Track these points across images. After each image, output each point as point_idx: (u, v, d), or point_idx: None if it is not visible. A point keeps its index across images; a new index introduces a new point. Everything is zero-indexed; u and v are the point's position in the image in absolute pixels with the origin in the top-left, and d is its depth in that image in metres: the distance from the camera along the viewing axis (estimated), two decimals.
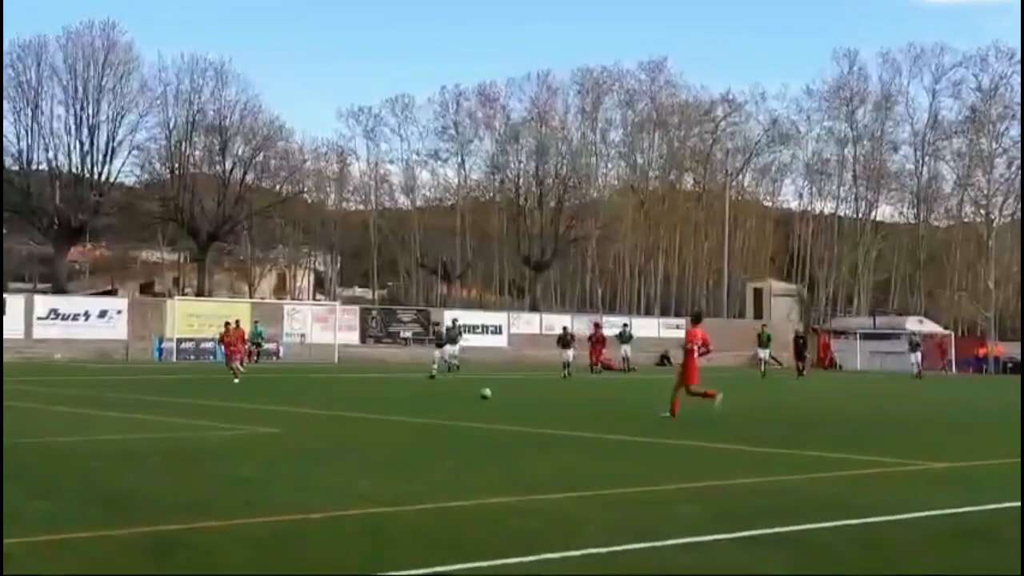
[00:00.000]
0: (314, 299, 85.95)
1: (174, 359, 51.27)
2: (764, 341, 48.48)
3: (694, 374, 20.36)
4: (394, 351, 58.71)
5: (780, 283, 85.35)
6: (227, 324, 36.15)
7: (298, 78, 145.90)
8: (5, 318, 49.47)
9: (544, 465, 13.25)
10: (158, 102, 71.50)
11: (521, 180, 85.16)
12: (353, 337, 59.80)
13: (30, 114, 67.18)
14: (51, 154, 67.71)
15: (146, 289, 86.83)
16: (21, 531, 7.87)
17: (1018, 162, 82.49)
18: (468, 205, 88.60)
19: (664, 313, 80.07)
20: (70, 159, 68.02)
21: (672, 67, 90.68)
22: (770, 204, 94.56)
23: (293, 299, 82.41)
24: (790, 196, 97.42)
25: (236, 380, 31.74)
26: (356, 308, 65.66)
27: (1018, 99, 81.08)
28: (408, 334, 61.67)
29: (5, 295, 52.63)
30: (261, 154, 76.45)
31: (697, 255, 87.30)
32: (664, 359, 62.07)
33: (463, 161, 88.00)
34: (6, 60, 66.19)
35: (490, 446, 15.82)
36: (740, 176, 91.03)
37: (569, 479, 11.69)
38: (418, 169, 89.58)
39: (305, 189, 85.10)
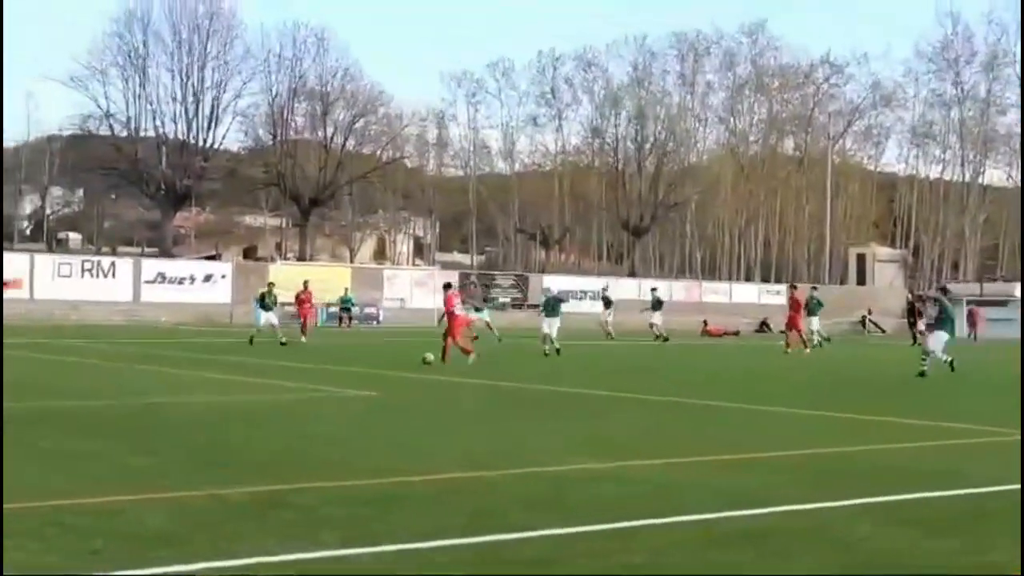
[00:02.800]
0: (413, 264, 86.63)
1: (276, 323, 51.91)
2: (813, 308, 38.17)
3: (457, 330, 24.26)
4: (492, 316, 58.89)
5: (884, 248, 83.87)
6: (306, 282, 37.83)
7: (399, 44, 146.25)
8: (114, 281, 50.87)
9: (636, 429, 13.26)
10: (261, 68, 72.57)
11: (620, 145, 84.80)
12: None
13: (138, 81, 68.63)
14: (158, 121, 69.12)
15: (249, 254, 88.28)
16: (130, 488, 8.09)
17: None
18: (567, 170, 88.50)
19: (765, 279, 79.30)
20: (176, 125, 69.37)
21: (772, 30, 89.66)
22: (873, 168, 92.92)
23: (393, 264, 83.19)
24: (893, 160, 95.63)
25: (283, 341, 32.42)
26: (455, 273, 66.03)
27: None
28: (507, 299, 61.92)
29: (113, 259, 53.93)
30: (362, 120, 77.16)
31: (798, 220, 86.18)
32: (764, 326, 61.33)
33: (560, 126, 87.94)
34: (113, 28, 68.01)
35: (584, 409, 15.83)
36: (842, 139, 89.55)
37: (663, 444, 11.67)
38: (517, 134, 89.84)
39: (405, 155, 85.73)
